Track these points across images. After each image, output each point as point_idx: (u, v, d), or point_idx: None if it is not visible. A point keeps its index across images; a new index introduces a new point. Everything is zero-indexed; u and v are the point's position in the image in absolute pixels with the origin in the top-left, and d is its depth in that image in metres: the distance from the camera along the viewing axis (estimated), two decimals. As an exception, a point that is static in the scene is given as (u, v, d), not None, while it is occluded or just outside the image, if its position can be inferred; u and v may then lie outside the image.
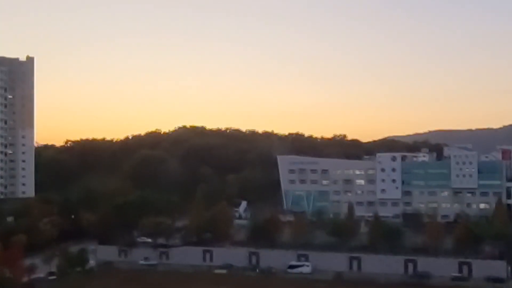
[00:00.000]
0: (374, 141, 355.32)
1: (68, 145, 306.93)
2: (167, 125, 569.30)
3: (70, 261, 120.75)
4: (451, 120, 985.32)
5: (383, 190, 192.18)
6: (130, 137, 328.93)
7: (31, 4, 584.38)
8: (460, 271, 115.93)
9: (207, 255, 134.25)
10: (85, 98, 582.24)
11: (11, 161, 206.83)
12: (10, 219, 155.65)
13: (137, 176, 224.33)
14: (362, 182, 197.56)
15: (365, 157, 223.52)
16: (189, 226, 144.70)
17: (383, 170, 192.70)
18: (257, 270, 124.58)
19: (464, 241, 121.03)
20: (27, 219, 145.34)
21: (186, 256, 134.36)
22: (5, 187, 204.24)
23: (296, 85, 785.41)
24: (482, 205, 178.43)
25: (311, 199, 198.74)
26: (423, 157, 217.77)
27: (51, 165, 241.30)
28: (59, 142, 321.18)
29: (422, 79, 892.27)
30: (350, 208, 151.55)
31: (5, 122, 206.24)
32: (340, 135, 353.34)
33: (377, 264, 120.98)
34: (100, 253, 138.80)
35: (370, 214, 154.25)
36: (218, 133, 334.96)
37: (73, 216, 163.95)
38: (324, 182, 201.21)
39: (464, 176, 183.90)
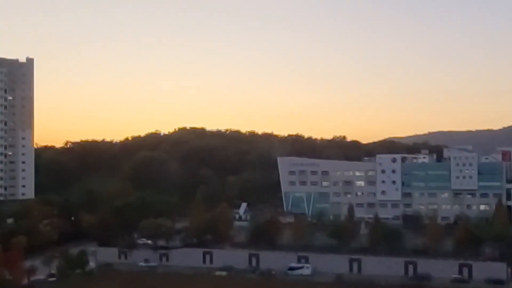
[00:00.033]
0: (374, 143, 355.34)
1: (68, 146, 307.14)
2: (167, 127, 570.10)
3: (70, 263, 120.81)
4: (451, 122, 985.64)
5: (383, 192, 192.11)
6: (130, 139, 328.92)
7: (31, 5, 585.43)
8: (460, 272, 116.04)
9: (207, 257, 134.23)
10: (85, 100, 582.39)
11: (11, 162, 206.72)
12: (10, 220, 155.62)
13: (137, 177, 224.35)
14: (362, 183, 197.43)
15: (365, 158, 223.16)
16: (189, 227, 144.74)
17: (383, 171, 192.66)
18: (257, 272, 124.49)
19: (464, 242, 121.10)
20: (27, 221, 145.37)
21: (186, 258, 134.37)
22: (5, 188, 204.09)
23: (296, 87, 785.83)
24: (482, 207, 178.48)
25: (311, 200, 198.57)
26: (423, 158, 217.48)
27: (51, 166, 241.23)
28: (59, 143, 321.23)
29: (422, 80, 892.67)
30: (350, 209, 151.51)
31: (5, 124, 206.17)
32: (340, 136, 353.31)
33: (377, 266, 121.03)
34: (100, 255, 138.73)
35: (370, 216, 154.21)
36: (218, 134, 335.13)
37: (73, 218, 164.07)
38: (324, 183, 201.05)
39: (464, 177, 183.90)
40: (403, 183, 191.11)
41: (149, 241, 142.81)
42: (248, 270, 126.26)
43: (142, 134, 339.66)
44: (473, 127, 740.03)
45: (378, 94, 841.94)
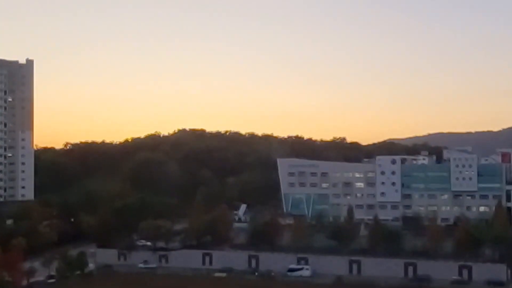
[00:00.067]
0: (374, 144, 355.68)
1: (68, 148, 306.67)
2: (166, 128, 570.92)
3: (69, 264, 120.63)
4: (451, 123, 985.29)
5: (382, 193, 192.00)
6: (129, 140, 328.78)
7: (30, 6, 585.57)
8: (460, 274, 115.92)
9: (207, 258, 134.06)
10: (85, 101, 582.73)
11: (11, 164, 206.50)
12: (9, 222, 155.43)
13: (137, 179, 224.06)
14: (361, 185, 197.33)
15: (365, 160, 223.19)
16: (188, 229, 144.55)
17: (382, 173, 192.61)
18: (256, 274, 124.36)
19: (464, 244, 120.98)
20: (26, 222, 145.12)
21: (186, 259, 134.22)
22: (5, 190, 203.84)
23: (295, 88, 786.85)
24: (482, 208, 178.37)
25: (310, 202, 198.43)
26: (422, 160, 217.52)
27: (51, 168, 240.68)
28: (58, 145, 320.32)
29: (421, 82, 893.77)
30: (350, 211, 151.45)
31: (5, 125, 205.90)
32: (340, 137, 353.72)
33: (377, 267, 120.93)
34: (100, 256, 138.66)
35: (370, 217, 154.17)
36: (217, 135, 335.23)
37: (72, 219, 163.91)
38: (324, 185, 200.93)
39: (464, 179, 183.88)
40: (402, 185, 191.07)
41: (149, 243, 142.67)
42: (248, 272, 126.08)
43: (142, 135, 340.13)
44: (473, 129, 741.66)
45: (377, 96, 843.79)
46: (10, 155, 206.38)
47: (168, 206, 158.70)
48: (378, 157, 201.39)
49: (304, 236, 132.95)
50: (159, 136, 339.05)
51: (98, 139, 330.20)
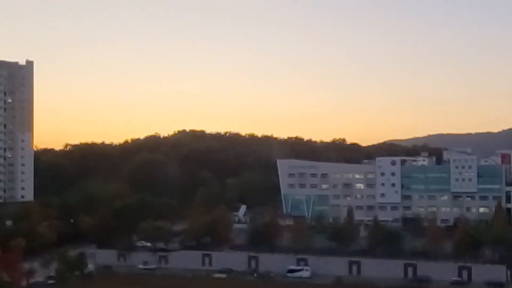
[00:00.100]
0: (374, 145, 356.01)
1: (67, 149, 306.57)
2: (166, 129, 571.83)
3: (69, 265, 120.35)
4: (451, 124, 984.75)
5: (382, 194, 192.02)
6: (129, 141, 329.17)
7: (30, 8, 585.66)
8: (460, 275, 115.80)
9: (206, 259, 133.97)
10: (85, 102, 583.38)
11: (10, 165, 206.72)
12: (9, 223, 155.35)
13: (136, 180, 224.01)
14: (361, 186, 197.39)
15: (365, 161, 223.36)
16: (188, 230, 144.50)
17: (382, 174, 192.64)
18: (255, 275, 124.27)
19: (463, 245, 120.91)
20: (26, 223, 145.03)
21: (185, 260, 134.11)
22: (4, 191, 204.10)
23: (295, 89, 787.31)
24: (481, 209, 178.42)
25: (310, 203, 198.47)
26: (422, 161, 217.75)
27: (50, 169, 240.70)
28: (58, 146, 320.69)
29: (421, 83, 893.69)
30: (350, 212, 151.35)
31: (5, 126, 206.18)
32: (340, 139, 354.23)
33: (377, 268, 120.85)
34: (99, 257, 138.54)
35: (370, 218, 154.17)
36: (217, 137, 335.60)
37: (72, 220, 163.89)
38: (324, 186, 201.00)
39: (463, 180, 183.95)
40: (402, 186, 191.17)
41: (148, 243, 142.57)
42: (247, 273, 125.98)
43: (142, 136, 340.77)
44: (472, 130, 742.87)
45: (377, 97, 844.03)
46: (9, 156, 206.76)
47: (168, 207, 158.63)
48: (378, 158, 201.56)
49: (304, 237, 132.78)
50: (159, 137, 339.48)
51: (98, 140, 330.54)
